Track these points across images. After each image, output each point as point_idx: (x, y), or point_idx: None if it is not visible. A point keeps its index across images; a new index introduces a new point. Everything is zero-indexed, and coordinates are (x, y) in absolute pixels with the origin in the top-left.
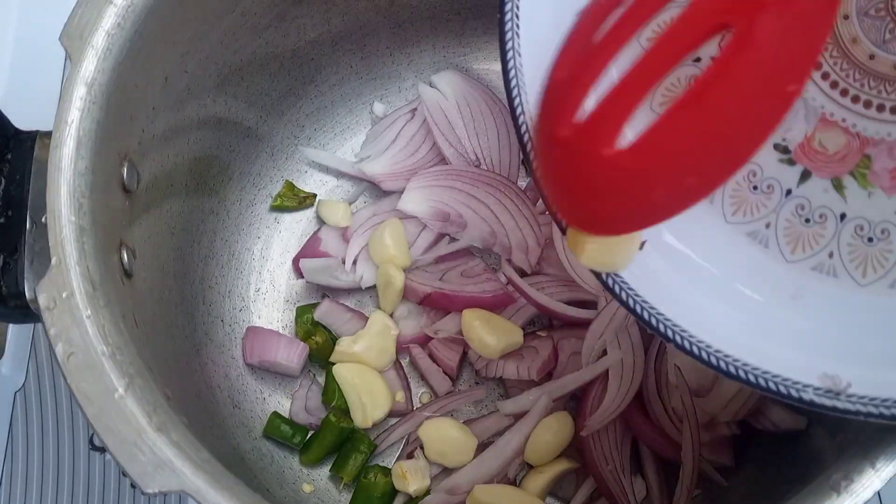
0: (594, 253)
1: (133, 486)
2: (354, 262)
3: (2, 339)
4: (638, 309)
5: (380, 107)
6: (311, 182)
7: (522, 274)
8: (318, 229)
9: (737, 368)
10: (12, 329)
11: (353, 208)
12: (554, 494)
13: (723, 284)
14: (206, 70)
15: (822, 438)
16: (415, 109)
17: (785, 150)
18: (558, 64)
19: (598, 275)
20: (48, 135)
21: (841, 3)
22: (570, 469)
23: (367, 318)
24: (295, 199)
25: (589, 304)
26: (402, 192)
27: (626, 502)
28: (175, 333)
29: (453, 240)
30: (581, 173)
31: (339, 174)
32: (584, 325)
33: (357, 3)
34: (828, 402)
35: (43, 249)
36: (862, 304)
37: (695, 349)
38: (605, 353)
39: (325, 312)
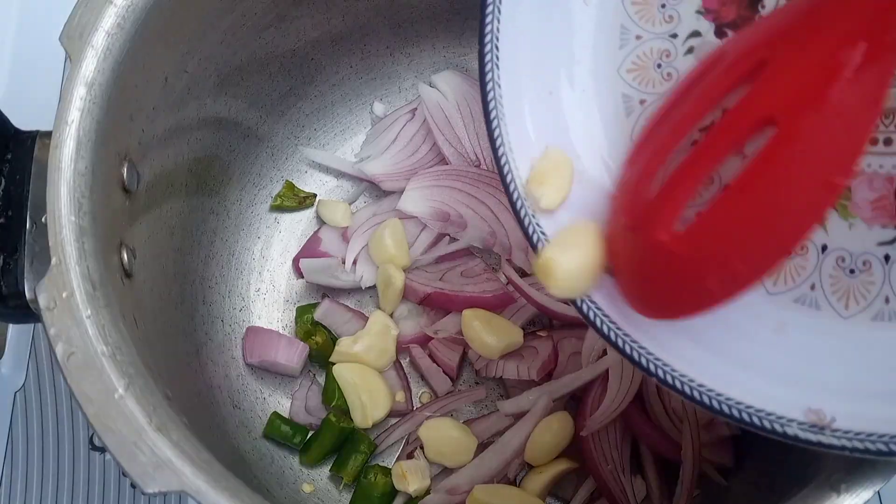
0: (563, 283)
1: (133, 486)
2: (354, 262)
3: (2, 339)
4: (619, 342)
5: (380, 107)
6: (311, 182)
7: (522, 274)
8: (318, 229)
9: (720, 403)
10: (12, 329)
11: (353, 208)
12: (554, 494)
13: (705, 317)
14: (206, 70)
15: None
16: (415, 109)
17: None
18: (629, 161)
19: (575, 304)
20: (48, 135)
21: (885, 98)
22: (570, 469)
23: (367, 318)
24: (295, 199)
25: None
26: (402, 192)
27: (626, 502)
28: (175, 333)
29: (453, 240)
30: (643, 259)
31: (339, 174)
32: (584, 325)
33: (357, 3)
34: (812, 437)
35: (43, 249)
36: (845, 337)
37: (677, 383)
38: (605, 353)
39: (326, 312)
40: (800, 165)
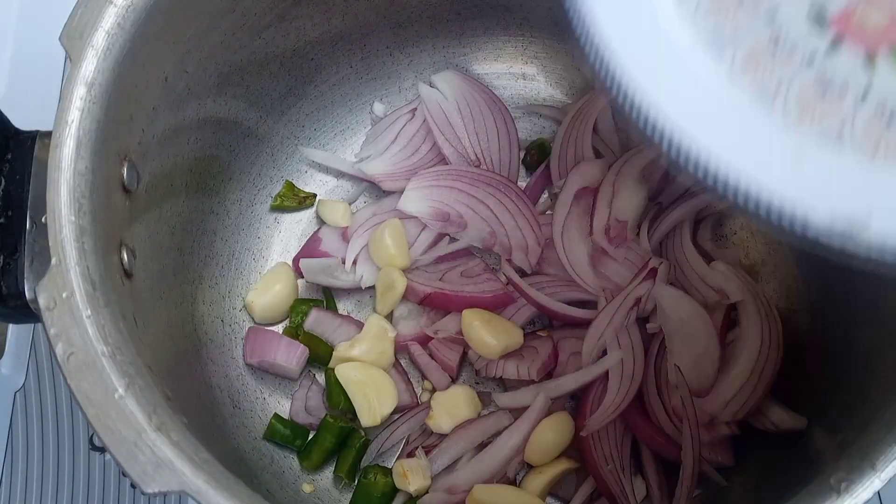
0: None
1: (133, 486)
2: (354, 262)
3: (2, 339)
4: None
5: (380, 107)
6: (311, 182)
7: (522, 274)
8: (318, 229)
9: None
10: (12, 329)
11: (353, 208)
12: (554, 494)
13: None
14: (206, 70)
15: (822, 438)
16: (415, 109)
17: (820, 15)
18: None
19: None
20: (48, 135)
21: None
22: (570, 469)
23: (357, 322)
24: (295, 199)
25: (589, 304)
26: (402, 192)
27: (626, 502)
28: (175, 333)
29: (453, 240)
30: None
31: (339, 174)
32: (584, 325)
33: (357, 3)
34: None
35: (43, 249)
36: (869, 181)
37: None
38: (605, 353)
39: (315, 322)
40: None
